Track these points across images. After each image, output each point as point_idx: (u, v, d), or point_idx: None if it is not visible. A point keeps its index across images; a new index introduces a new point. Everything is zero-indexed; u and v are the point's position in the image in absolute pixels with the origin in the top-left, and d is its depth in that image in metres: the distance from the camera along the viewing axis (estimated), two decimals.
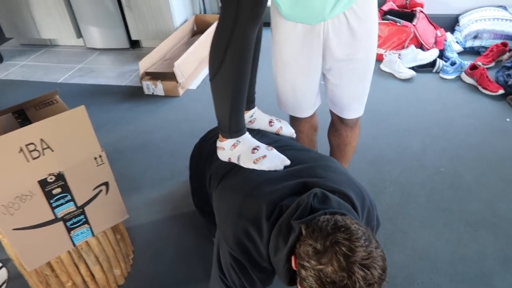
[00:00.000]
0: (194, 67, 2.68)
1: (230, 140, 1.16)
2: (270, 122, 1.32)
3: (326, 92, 1.41)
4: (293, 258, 0.87)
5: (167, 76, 2.52)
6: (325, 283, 0.77)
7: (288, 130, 1.36)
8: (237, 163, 1.14)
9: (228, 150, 1.17)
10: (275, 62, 1.34)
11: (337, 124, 1.50)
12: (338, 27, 1.18)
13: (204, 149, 1.33)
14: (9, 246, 1.15)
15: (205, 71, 2.79)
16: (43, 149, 1.02)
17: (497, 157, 1.92)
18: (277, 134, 1.32)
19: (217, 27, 1.04)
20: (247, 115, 1.32)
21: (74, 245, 1.19)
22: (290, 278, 0.91)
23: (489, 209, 1.65)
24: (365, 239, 0.78)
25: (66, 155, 1.06)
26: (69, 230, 1.16)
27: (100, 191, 1.17)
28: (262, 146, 1.15)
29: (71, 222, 1.15)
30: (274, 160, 1.10)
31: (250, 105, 1.33)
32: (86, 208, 1.16)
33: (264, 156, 1.10)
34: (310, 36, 1.22)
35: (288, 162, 1.10)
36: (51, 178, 1.06)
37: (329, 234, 0.79)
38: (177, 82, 2.50)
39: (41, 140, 1.00)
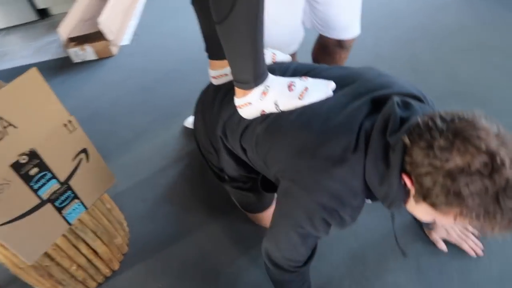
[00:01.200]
0: (120, 20, 2.46)
1: (256, 89, 0.96)
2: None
3: (315, 20, 1.35)
4: (405, 177, 0.79)
5: (94, 37, 2.29)
6: (468, 175, 0.69)
7: (283, 55, 1.20)
8: (276, 111, 0.97)
9: (258, 101, 0.97)
10: None
11: (332, 48, 1.44)
12: None
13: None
14: None
15: (133, 22, 2.57)
16: (4, 127, 0.88)
17: (447, 31, 2.00)
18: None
19: None
20: None
21: (69, 224, 1.10)
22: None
23: (452, 80, 1.74)
24: (482, 118, 0.73)
25: (33, 129, 0.94)
26: (59, 210, 1.06)
27: (81, 160, 1.06)
28: (295, 79, 0.99)
29: (59, 201, 1.05)
30: (319, 88, 0.95)
31: None
32: (71, 182, 1.05)
33: (306, 89, 0.95)
34: None
35: (333, 84, 0.96)
36: (23, 159, 0.94)
37: (447, 127, 0.72)
38: (107, 40, 2.29)
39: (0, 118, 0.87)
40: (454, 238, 1.29)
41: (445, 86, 1.73)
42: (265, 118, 0.99)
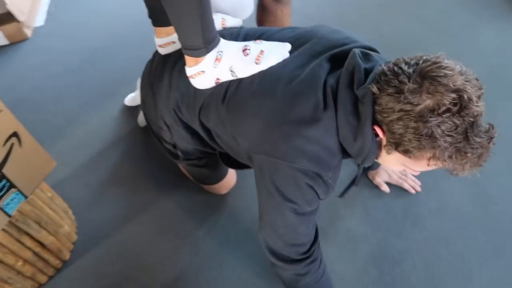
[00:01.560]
0: None
1: (209, 55, 0.90)
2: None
3: None
4: (376, 128, 0.80)
5: (3, 19, 2.06)
6: (439, 115, 0.70)
7: (233, 20, 1.13)
8: (232, 77, 0.93)
9: (211, 68, 0.92)
10: None
11: (270, 6, 1.41)
12: None
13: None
14: None
15: (45, 0, 2.35)
16: None
17: None
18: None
19: None
20: None
21: (9, 216, 1.01)
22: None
23: (378, 35, 1.83)
24: (444, 57, 0.74)
25: None
26: None
27: (12, 144, 0.97)
28: (249, 43, 0.95)
29: None
30: (275, 50, 0.92)
31: None
32: (4, 170, 0.96)
33: (262, 52, 0.91)
34: None
35: (289, 45, 0.94)
36: None
37: (414, 70, 0.73)
38: (18, 22, 2.07)
39: None
40: (395, 179, 1.39)
41: (373, 40, 1.81)
42: (224, 93, 0.94)
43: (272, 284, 1.21)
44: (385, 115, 0.76)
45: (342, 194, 1.22)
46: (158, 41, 1.09)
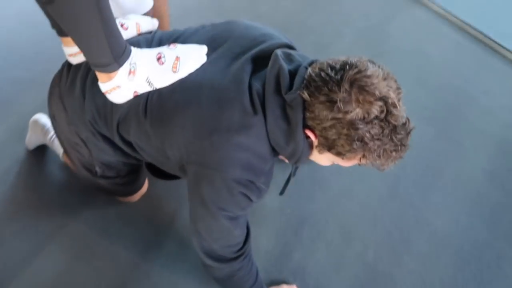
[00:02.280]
0: None
1: (122, 69, 0.84)
2: (121, 25, 0.98)
3: None
4: (307, 132, 0.82)
5: None
6: (368, 122, 0.75)
7: (147, 23, 1.04)
8: (151, 89, 0.88)
9: (127, 82, 0.86)
10: None
11: None
12: None
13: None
14: None
15: None
16: None
17: None
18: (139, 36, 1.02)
19: None
20: None
21: None
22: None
23: (255, 15, 1.88)
24: (367, 63, 0.77)
25: None
26: None
27: None
28: (162, 49, 0.90)
29: None
30: (192, 55, 0.88)
31: None
32: None
33: (178, 58, 0.87)
34: None
35: (205, 48, 0.90)
36: None
37: (341, 77, 0.75)
38: None
39: None
40: None
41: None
42: (144, 105, 0.89)
43: (201, 283, 1.23)
44: (318, 121, 0.79)
45: (282, 192, 1.21)
46: (68, 50, 0.99)
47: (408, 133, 0.80)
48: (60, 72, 1.06)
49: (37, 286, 1.21)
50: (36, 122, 1.41)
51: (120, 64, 0.83)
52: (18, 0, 2.06)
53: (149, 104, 0.89)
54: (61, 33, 0.96)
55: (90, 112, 0.98)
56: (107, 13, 0.75)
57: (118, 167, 1.15)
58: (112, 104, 0.93)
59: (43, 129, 1.39)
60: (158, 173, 1.15)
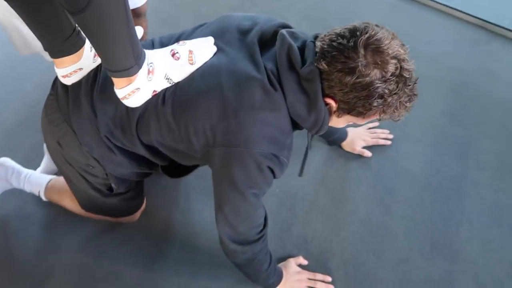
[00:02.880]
0: None
1: (141, 71, 0.85)
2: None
3: None
4: (327, 99, 0.87)
5: None
6: (386, 80, 0.81)
7: (137, 30, 1.05)
8: (169, 85, 0.92)
9: (146, 83, 0.88)
10: None
11: None
12: None
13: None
14: None
15: None
16: None
17: None
18: None
19: None
20: (91, 52, 0.97)
21: None
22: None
23: (196, 15, 1.92)
24: (374, 27, 0.83)
25: None
26: None
27: None
28: (174, 46, 0.93)
29: None
30: (203, 46, 0.93)
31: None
32: None
33: (191, 52, 0.91)
34: None
35: (212, 39, 0.95)
36: None
37: (355, 43, 0.80)
38: None
39: None
40: (371, 141, 1.49)
41: (196, 21, 1.91)
42: (162, 98, 0.92)
43: (211, 279, 1.25)
44: (338, 88, 0.84)
45: (301, 173, 1.21)
46: (62, 71, 0.97)
47: (415, 83, 0.87)
48: (54, 97, 1.05)
49: None
50: (1, 166, 1.34)
51: (139, 66, 0.84)
52: None
53: (168, 95, 0.92)
54: (57, 54, 0.94)
55: (106, 126, 0.98)
56: (130, 15, 0.77)
57: (132, 178, 1.17)
58: (128, 110, 0.95)
59: (13, 173, 1.34)
60: (174, 172, 1.17)
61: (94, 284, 1.24)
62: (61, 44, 0.91)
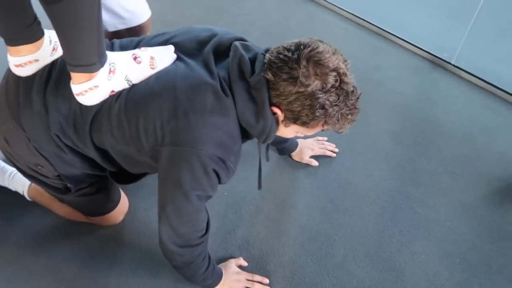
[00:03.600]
0: None
1: (103, 69, 0.87)
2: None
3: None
4: (274, 108, 0.91)
5: None
6: (326, 91, 0.86)
7: (163, 55, 1.04)
8: (128, 86, 0.94)
9: (106, 82, 0.89)
10: None
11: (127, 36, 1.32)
12: None
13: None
14: None
15: None
16: None
17: None
18: None
19: None
20: (50, 45, 0.97)
21: None
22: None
23: (163, 24, 1.94)
24: (318, 42, 0.89)
25: None
26: None
27: None
28: (136, 51, 0.96)
29: None
30: (164, 54, 0.97)
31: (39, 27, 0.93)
32: None
33: (153, 58, 0.94)
34: None
35: (172, 47, 0.98)
36: None
37: (298, 56, 0.86)
38: None
39: None
40: (318, 150, 1.57)
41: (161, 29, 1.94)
42: (117, 96, 0.94)
43: (153, 273, 1.26)
44: (283, 97, 0.89)
45: (259, 186, 1.25)
46: (16, 60, 0.94)
47: (357, 98, 0.94)
48: (4, 91, 1.01)
49: None
50: None
51: (102, 64, 0.86)
52: None
53: (123, 94, 0.94)
54: (13, 42, 0.92)
55: (57, 124, 0.97)
56: (100, 14, 0.80)
57: (85, 180, 1.14)
58: (82, 109, 0.95)
59: None
60: (122, 179, 1.16)
61: (29, 276, 1.21)
62: (21, 31, 0.90)
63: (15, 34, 0.90)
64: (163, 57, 0.97)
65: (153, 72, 0.95)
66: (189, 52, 0.99)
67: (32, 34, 0.92)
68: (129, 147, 0.98)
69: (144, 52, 0.96)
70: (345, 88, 0.90)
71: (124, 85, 0.94)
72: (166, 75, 0.95)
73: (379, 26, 2.15)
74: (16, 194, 1.34)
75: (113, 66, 0.90)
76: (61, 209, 1.29)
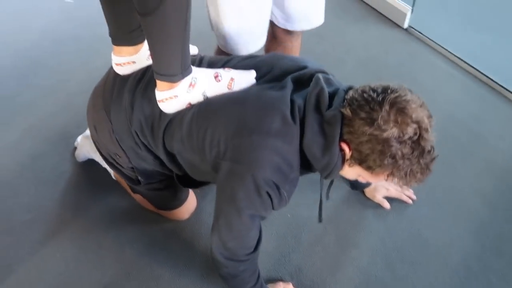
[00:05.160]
0: None
1: (184, 80, 0.95)
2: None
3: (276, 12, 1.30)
4: (343, 144, 0.89)
5: None
6: (402, 141, 0.82)
7: (191, 47, 1.09)
8: (203, 99, 1.00)
9: (185, 93, 0.96)
10: None
11: (281, 36, 1.41)
12: None
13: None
14: None
15: None
16: None
17: None
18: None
19: None
20: (147, 52, 1.05)
21: None
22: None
23: None
24: (407, 90, 0.86)
25: None
26: None
27: None
28: (219, 70, 1.01)
29: None
30: (244, 77, 1.00)
31: None
32: None
33: (232, 79, 0.99)
34: None
35: (254, 72, 1.02)
36: None
37: (383, 99, 0.83)
38: None
39: None
40: (394, 192, 1.48)
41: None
42: (191, 107, 0.99)
43: (204, 275, 1.29)
44: (356, 136, 0.86)
45: (320, 219, 1.25)
46: (117, 59, 1.08)
47: (432, 159, 0.88)
48: (104, 83, 1.13)
49: (45, 272, 1.27)
50: (88, 138, 1.45)
51: (184, 76, 0.94)
52: (43, 17, 2.23)
53: (196, 105, 0.99)
54: (118, 41, 1.05)
55: (138, 122, 1.05)
56: (189, 30, 0.88)
57: (155, 177, 1.23)
58: (160, 113, 1.02)
59: (92, 147, 1.42)
60: (187, 183, 1.23)
61: (97, 250, 1.32)
62: (125, 34, 1.03)
63: (120, 35, 1.04)
64: (242, 80, 1.00)
65: (228, 92, 0.99)
66: (270, 79, 1.02)
67: (134, 38, 1.04)
68: (195, 156, 1.02)
69: (226, 73, 1.01)
70: (422, 144, 0.85)
71: (201, 100, 0.99)
72: (239, 93, 0.98)
73: (489, 76, 1.99)
74: (105, 171, 1.48)
75: (194, 80, 0.96)
76: (136, 195, 1.38)
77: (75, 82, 1.86)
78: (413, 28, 2.25)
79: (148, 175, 1.21)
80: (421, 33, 2.21)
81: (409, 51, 2.16)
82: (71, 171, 1.53)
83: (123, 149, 1.14)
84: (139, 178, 1.21)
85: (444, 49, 2.13)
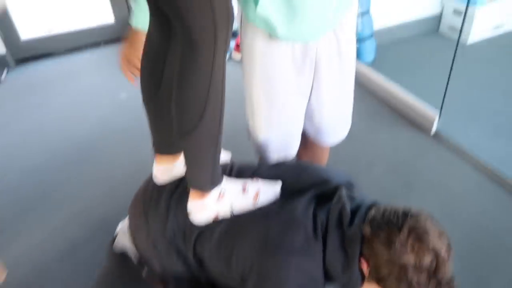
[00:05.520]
0: None
1: (214, 191, 1.01)
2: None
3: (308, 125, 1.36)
4: (362, 260, 0.91)
5: None
6: (418, 270, 0.82)
7: (224, 153, 1.19)
8: (229, 215, 1.03)
9: (214, 203, 1.01)
10: (256, 98, 1.19)
11: (312, 146, 1.47)
12: (328, 44, 1.12)
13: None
14: None
15: None
16: None
17: None
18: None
19: (187, 74, 0.84)
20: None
21: None
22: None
23: None
24: (427, 217, 0.88)
25: None
26: None
27: None
28: (247, 181, 1.06)
29: None
30: (270, 189, 1.04)
31: None
32: None
33: (258, 191, 1.03)
34: (303, 58, 1.11)
35: (279, 184, 1.06)
36: None
37: (402, 224, 0.85)
38: None
39: None
40: None
41: None
42: (218, 222, 1.02)
43: None
44: (374, 256, 0.88)
45: None
46: (160, 168, 1.15)
47: None
48: (144, 189, 1.20)
49: None
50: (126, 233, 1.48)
51: (213, 188, 1.01)
52: (99, 110, 2.47)
53: (224, 220, 1.03)
54: (161, 151, 1.14)
55: (171, 229, 1.09)
56: (220, 145, 0.97)
57: (183, 282, 1.22)
58: (192, 225, 1.06)
59: None
60: None
61: None
62: (166, 146, 1.13)
63: (162, 145, 1.14)
64: (268, 194, 1.04)
65: (253, 205, 1.02)
66: (294, 191, 1.05)
67: (173, 148, 1.13)
68: (222, 265, 1.04)
69: (253, 184, 1.05)
70: (439, 276, 0.84)
71: (227, 213, 1.03)
72: (263, 208, 1.01)
73: None
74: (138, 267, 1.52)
75: (223, 191, 1.02)
76: None
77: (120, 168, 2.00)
78: (441, 133, 2.30)
79: (177, 278, 1.21)
80: (450, 139, 2.25)
81: (438, 157, 2.18)
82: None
83: (157, 251, 1.16)
84: (168, 283, 1.22)
85: (473, 156, 2.14)
